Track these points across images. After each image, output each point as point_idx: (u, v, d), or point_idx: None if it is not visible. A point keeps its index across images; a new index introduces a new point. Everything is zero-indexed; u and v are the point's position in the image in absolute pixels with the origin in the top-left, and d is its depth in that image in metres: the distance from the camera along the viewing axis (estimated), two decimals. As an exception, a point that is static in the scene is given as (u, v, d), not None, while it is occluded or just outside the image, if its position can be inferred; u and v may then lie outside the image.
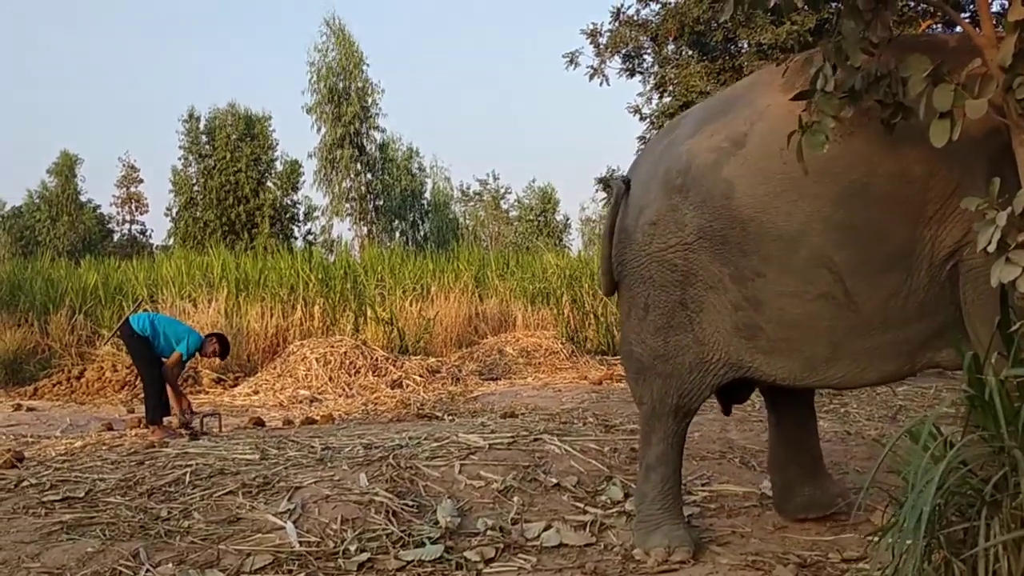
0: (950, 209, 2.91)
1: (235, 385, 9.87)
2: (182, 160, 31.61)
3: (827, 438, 5.43)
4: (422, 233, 35.83)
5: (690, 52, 13.18)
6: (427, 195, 37.27)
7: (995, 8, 6.56)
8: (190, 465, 4.92)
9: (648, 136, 13.71)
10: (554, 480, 4.53)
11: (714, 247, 3.31)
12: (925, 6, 9.52)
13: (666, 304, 3.46)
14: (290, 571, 3.53)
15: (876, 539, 2.70)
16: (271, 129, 32.35)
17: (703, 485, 4.59)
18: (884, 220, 3.01)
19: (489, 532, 3.92)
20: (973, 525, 2.22)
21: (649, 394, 3.58)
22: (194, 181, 31.16)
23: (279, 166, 32.50)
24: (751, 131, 3.24)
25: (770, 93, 3.26)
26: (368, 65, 33.24)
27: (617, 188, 3.66)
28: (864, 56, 2.69)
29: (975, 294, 2.89)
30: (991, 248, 2.30)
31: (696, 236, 3.34)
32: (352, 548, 3.72)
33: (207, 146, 31.48)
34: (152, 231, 36.24)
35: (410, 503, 4.19)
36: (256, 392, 9.26)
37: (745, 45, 12.36)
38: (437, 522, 3.98)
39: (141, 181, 35.62)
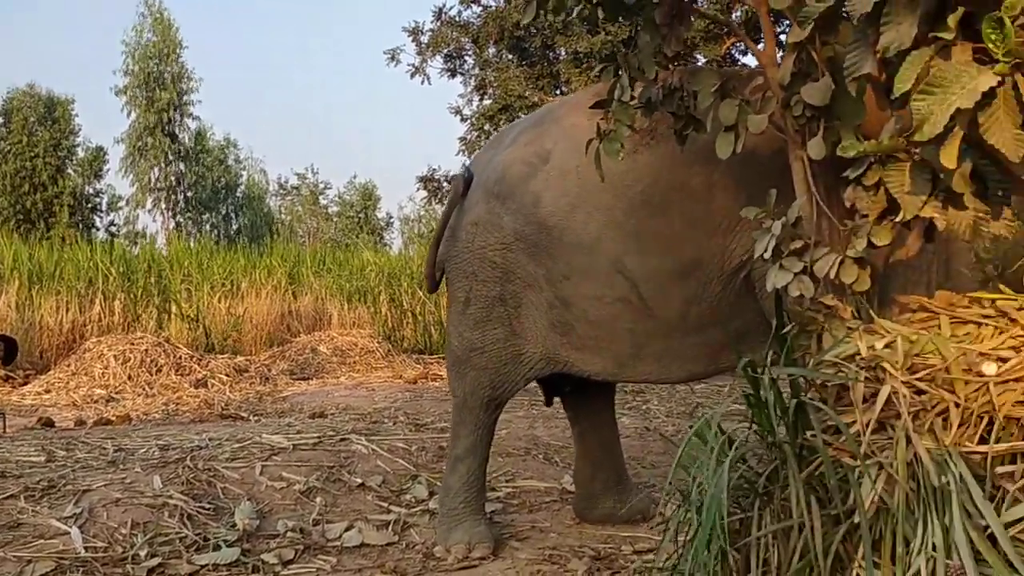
0: (737, 220, 3.07)
1: (25, 383, 9.16)
2: (-28, 144, 29.32)
3: (627, 434, 5.63)
4: (235, 227, 34.60)
5: (510, 56, 13.37)
6: (242, 188, 36.05)
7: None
8: (-36, 470, 4.54)
9: (468, 137, 13.80)
10: (359, 480, 4.47)
11: (529, 249, 3.45)
12: (723, 26, 10.06)
13: (486, 299, 3.56)
14: (72, 579, 3.32)
15: (662, 532, 2.81)
16: (74, 113, 30.39)
17: (507, 481, 4.66)
18: (670, 230, 3.19)
19: (289, 534, 3.83)
20: (748, 516, 2.34)
21: (462, 386, 3.65)
22: (-15, 166, 28.94)
23: (81, 152, 30.57)
24: (554, 148, 3.44)
25: (576, 113, 3.40)
26: (186, 48, 31.83)
27: (455, 186, 3.74)
28: (659, 69, 2.80)
29: (767, 297, 3.07)
30: (767, 255, 2.43)
31: (513, 238, 3.48)
32: (142, 553, 3.53)
33: (2, 128, 29.23)
34: (-63, 219, 33.38)
35: (207, 506, 4.03)
36: (48, 391, 8.64)
37: (563, 52, 12.66)
38: (235, 525, 3.85)
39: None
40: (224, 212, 34.77)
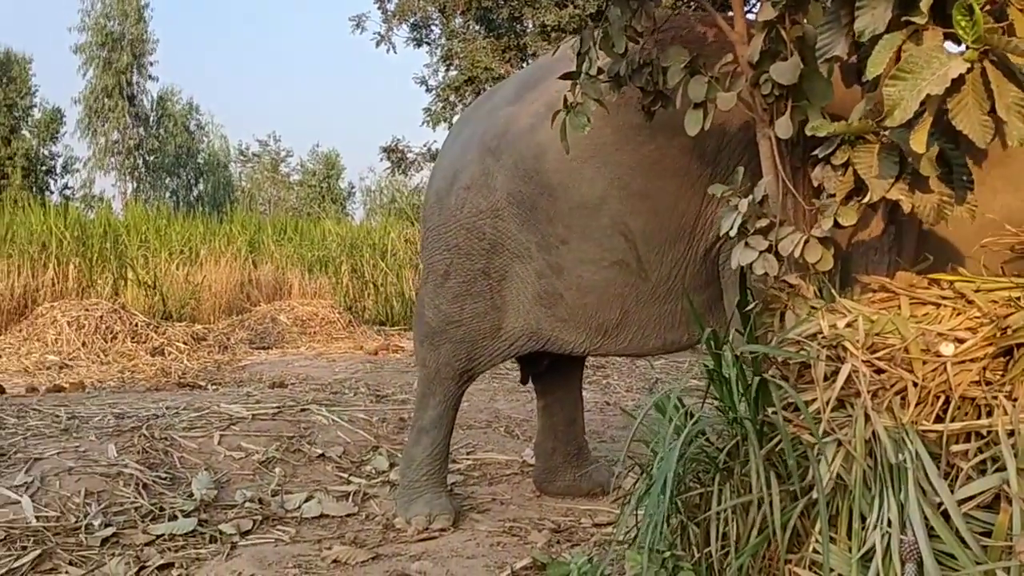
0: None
1: (-27, 349, 9.00)
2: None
3: (588, 408, 5.66)
4: (195, 193, 34.11)
5: (477, 27, 13.29)
6: (204, 154, 35.50)
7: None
8: (-88, 436, 4.45)
9: (433, 108, 13.71)
10: (319, 451, 4.46)
11: (522, 213, 3.35)
12: (693, 2, 10.05)
13: (468, 272, 3.48)
14: (24, 547, 3.26)
15: (622, 505, 2.84)
16: (31, 73, 29.65)
17: (468, 454, 4.67)
18: (676, 192, 3.14)
19: (247, 504, 3.81)
20: (708, 491, 2.36)
21: (435, 357, 3.59)
22: (-65, 126, 28.21)
23: (38, 113, 29.88)
24: (562, 99, 3.30)
25: None
26: (148, 7, 31.13)
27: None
28: (628, 43, 2.80)
29: (728, 273, 3.09)
30: (732, 232, 2.45)
31: (506, 202, 3.37)
32: (96, 523, 3.49)
33: (-47, 87, 28.55)
34: None
35: (163, 475, 3.99)
36: (-3, 357, 8.50)
37: (530, 25, 12.60)
38: (191, 494, 3.82)
39: None
40: (184, 178, 34.24)
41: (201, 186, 34.43)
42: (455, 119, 11.30)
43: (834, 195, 2.20)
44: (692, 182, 3.12)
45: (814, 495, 1.98)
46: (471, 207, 3.44)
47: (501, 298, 3.46)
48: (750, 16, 2.75)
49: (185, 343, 9.11)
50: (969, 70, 1.62)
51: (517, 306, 3.45)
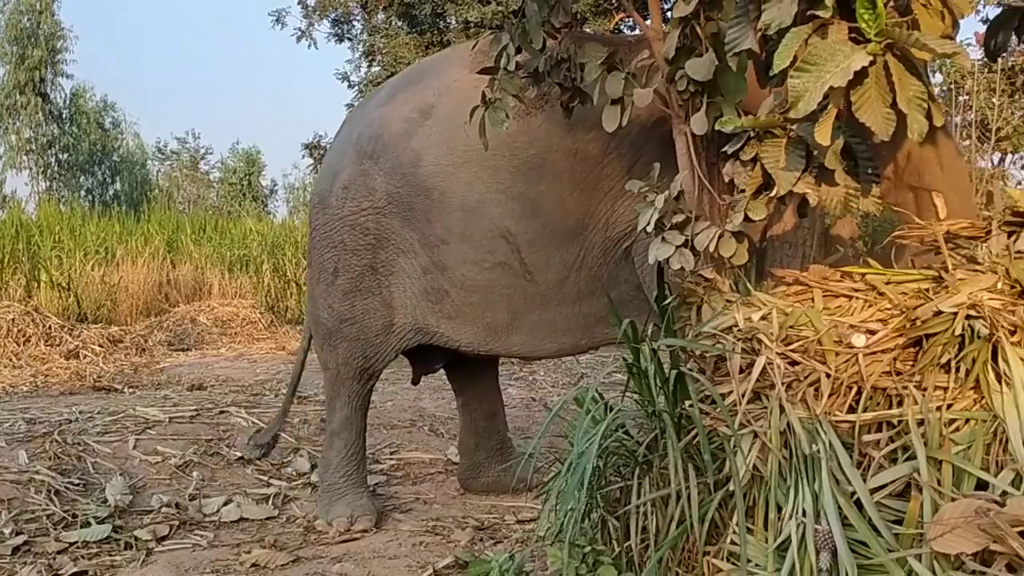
0: (624, 188, 3.08)
1: None
2: None
3: (513, 404, 5.67)
4: (112, 192, 33.15)
5: (399, 23, 13.19)
6: (120, 152, 34.50)
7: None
8: None
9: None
10: (238, 454, 4.36)
11: (403, 213, 3.34)
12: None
13: (356, 268, 3.45)
14: (-74, 561, 3.14)
15: (544, 500, 2.83)
16: (-57, 67, 28.50)
17: (391, 453, 4.63)
18: (560, 195, 3.14)
19: (164, 509, 3.71)
20: (627, 484, 2.37)
21: (335, 358, 3.56)
22: None
23: (-53, 110, 28.73)
24: (438, 103, 3.30)
25: (458, 67, 3.32)
26: (60, 4, 30.14)
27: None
28: (546, 40, 2.79)
29: (647, 270, 3.10)
30: (649, 228, 2.46)
31: (386, 201, 3.36)
32: (6, 531, 3.38)
33: None
34: None
35: (76, 481, 3.87)
36: (-98, 362, 8.13)
37: (453, 21, 12.55)
38: (106, 500, 3.71)
39: None
40: (100, 176, 33.24)
41: (118, 185, 33.43)
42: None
43: (744, 190, 2.22)
44: (577, 185, 3.12)
45: (731, 487, 1.99)
46: (353, 205, 3.43)
47: (390, 293, 3.44)
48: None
49: (101, 346, 8.83)
50: (872, 63, 1.64)
51: (405, 301, 3.43)
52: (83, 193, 32.01)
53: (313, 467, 4.23)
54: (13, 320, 8.68)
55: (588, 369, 7.52)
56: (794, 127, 1.98)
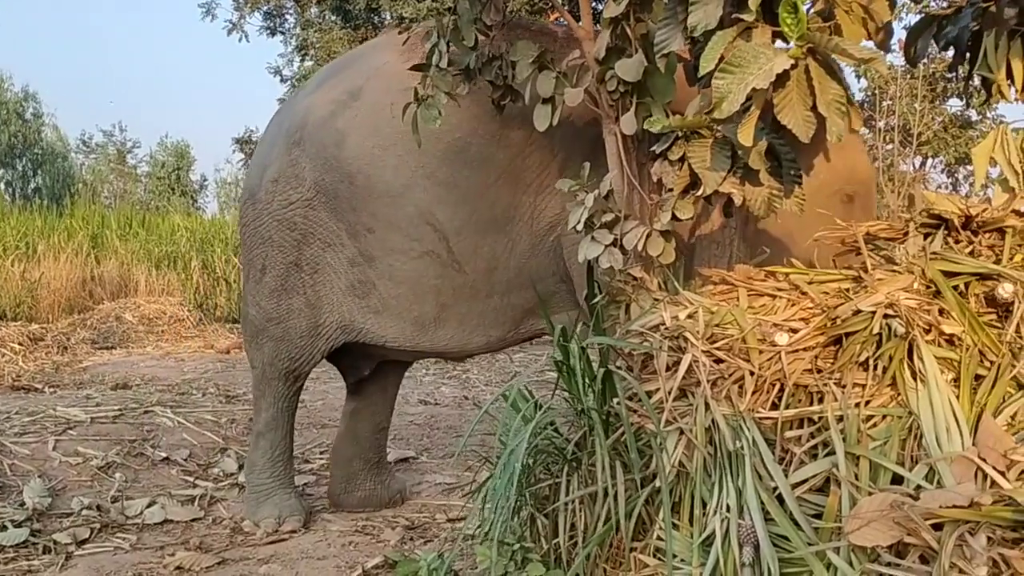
0: (549, 180, 3.05)
1: None
2: None
3: (446, 403, 5.67)
4: (33, 186, 32.18)
5: (333, 18, 13.05)
6: (42, 144, 33.48)
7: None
8: None
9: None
10: (163, 454, 4.28)
11: (330, 202, 3.28)
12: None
13: (282, 265, 3.39)
14: None
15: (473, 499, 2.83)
16: None
17: (321, 453, 4.58)
18: (484, 182, 3.11)
19: (84, 511, 3.62)
20: (556, 482, 2.38)
21: (261, 357, 3.50)
22: None
23: None
24: (366, 85, 3.26)
25: (387, 52, 3.30)
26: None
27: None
28: (478, 36, 2.79)
29: (576, 266, 3.11)
30: (579, 227, 2.48)
31: (314, 192, 3.30)
32: (-83, 537, 3.26)
33: None
34: None
35: (-9, 484, 3.75)
36: None
37: (387, 16, 12.46)
38: (23, 503, 3.60)
39: None
40: (20, 169, 32.25)
41: (40, 178, 32.48)
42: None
43: (672, 189, 2.24)
44: (501, 172, 3.10)
45: (657, 483, 2.01)
46: (281, 199, 3.37)
47: (315, 293, 3.38)
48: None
49: (20, 344, 8.57)
50: (793, 66, 1.67)
51: (331, 298, 3.37)
52: (3, 186, 31.03)
53: (240, 467, 4.16)
54: (-73, 317, 8.40)
55: (521, 367, 7.55)
56: (720, 128, 2.01)
